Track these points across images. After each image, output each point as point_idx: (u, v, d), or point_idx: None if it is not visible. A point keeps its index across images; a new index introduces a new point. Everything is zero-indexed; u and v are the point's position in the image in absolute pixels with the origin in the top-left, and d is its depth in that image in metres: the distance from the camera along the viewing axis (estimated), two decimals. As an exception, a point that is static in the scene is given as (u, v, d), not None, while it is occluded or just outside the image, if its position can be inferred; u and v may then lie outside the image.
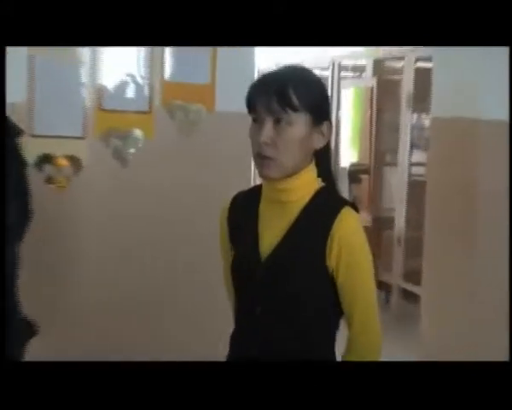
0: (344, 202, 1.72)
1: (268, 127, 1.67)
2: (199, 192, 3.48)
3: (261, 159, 1.69)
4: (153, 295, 3.45)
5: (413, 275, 5.31)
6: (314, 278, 1.68)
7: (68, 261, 3.34)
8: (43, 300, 3.22)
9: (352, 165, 6.63)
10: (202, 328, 3.42)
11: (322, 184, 1.76)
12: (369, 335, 1.70)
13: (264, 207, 1.77)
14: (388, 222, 5.95)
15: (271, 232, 1.73)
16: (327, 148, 1.78)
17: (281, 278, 1.68)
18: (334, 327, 1.75)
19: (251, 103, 1.70)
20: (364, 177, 6.31)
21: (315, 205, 1.71)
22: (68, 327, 3.25)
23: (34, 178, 3.04)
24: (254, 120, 1.70)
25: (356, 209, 1.72)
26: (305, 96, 1.67)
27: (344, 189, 6.68)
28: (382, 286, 6.13)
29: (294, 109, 1.66)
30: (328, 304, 1.70)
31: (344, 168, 6.72)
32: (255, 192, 1.81)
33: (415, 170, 5.96)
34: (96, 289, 3.38)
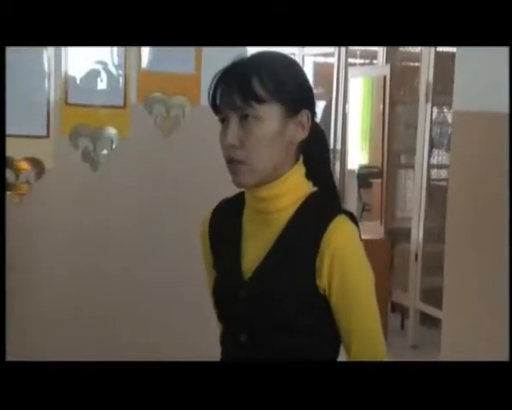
0: (337, 210, 1.70)
1: (233, 126, 1.64)
2: (182, 197, 3.50)
3: (232, 165, 1.67)
4: (133, 303, 3.49)
5: (432, 296, 5.32)
6: (304, 300, 1.67)
7: (26, 281, 3.35)
8: None
9: (362, 167, 6.66)
10: (193, 330, 3.48)
11: (314, 188, 1.75)
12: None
13: (247, 218, 1.77)
14: (404, 234, 5.96)
15: (255, 247, 1.72)
16: (316, 142, 1.75)
17: (266, 301, 1.68)
18: (332, 355, 1.75)
19: (215, 101, 1.68)
20: (376, 181, 6.32)
21: (303, 214, 1.70)
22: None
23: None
24: (222, 121, 1.69)
25: (353, 219, 1.71)
26: (273, 84, 1.64)
27: (352, 195, 6.72)
28: (397, 309, 6.16)
29: (260, 101, 1.63)
30: (322, 329, 1.70)
31: (352, 171, 6.75)
32: (240, 200, 1.79)
33: (435, 173, 5.99)
34: (60, 309, 3.40)
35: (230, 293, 1.73)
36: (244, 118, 1.64)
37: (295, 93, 1.68)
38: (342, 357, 1.76)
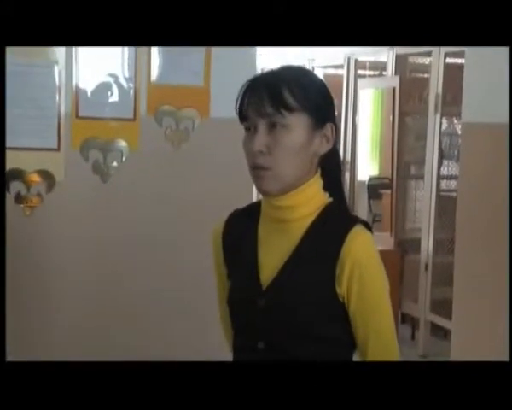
0: (354, 220, 1.74)
1: (262, 133, 1.68)
2: (191, 210, 3.51)
3: (257, 171, 1.70)
4: (140, 317, 3.50)
5: (442, 306, 5.32)
6: (323, 308, 1.70)
7: (39, 291, 3.37)
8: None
9: (372, 178, 6.67)
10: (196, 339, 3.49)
11: (330, 199, 1.78)
12: None
13: (263, 228, 1.79)
14: (413, 245, 5.96)
15: (273, 257, 1.74)
16: (333, 155, 1.79)
17: (285, 309, 1.70)
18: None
19: (242, 110, 1.72)
20: (386, 192, 6.34)
21: (321, 224, 1.73)
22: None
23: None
24: (247, 129, 1.72)
25: (369, 228, 1.74)
26: (303, 95, 1.69)
27: (362, 206, 6.72)
28: (407, 320, 6.15)
29: (290, 110, 1.67)
30: (339, 338, 1.73)
31: (362, 182, 6.76)
32: (253, 210, 1.82)
33: (444, 184, 5.99)
34: (73, 318, 3.42)
35: (248, 303, 1.75)
36: (272, 126, 1.68)
37: (322, 106, 1.73)
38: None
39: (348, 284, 1.68)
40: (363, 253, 1.69)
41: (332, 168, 1.79)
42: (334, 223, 1.73)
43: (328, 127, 1.74)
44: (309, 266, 1.71)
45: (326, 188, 1.78)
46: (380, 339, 1.72)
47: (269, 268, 1.74)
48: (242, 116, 1.72)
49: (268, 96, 1.67)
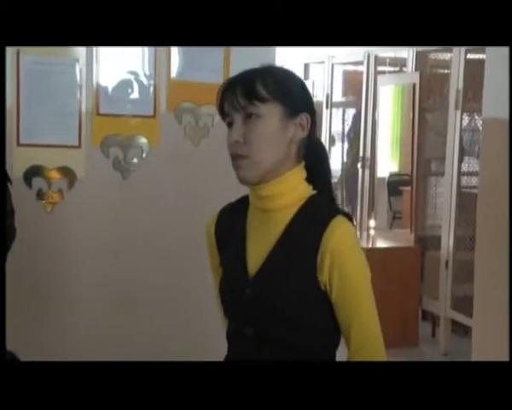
0: (336, 212, 1.80)
1: (238, 125, 1.77)
2: (211, 206, 3.53)
3: (235, 160, 1.79)
4: (156, 312, 3.54)
5: (463, 304, 5.31)
6: (306, 297, 1.76)
7: (59, 285, 3.40)
8: (27, 326, 3.30)
9: (392, 175, 6.66)
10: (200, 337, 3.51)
11: (314, 191, 1.84)
12: (367, 357, 1.76)
13: (251, 218, 1.87)
14: (434, 242, 5.95)
15: (259, 246, 1.82)
16: (315, 145, 1.87)
17: (270, 298, 1.77)
18: (334, 347, 1.84)
19: (221, 107, 1.80)
20: (406, 189, 6.32)
21: (304, 215, 1.80)
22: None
23: (22, 194, 3.14)
24: (229, 125, 1.80)
25: (350, 220, 1.80)
26: (274, 86, 1.77)
27: (382, 203, 6.71)
28: (428, 317, 6.15)
29: (262, 100, 1.75)
30: (324, 324, 1.79)
31: (382, 179, 6.75)
32: (244, 202, 1.90)
33: (465, 181, 5.97)
34: (93, 315, 3.45)
35: (236, 291, 1.82)
36: (248, 117, 1.76)
37: (295, 96, 1.81)
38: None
39: (329, 273, 1.74)
40: (342, 243, 1.75)
41: (316, 158, 1.86)
42: (317, 213, 1.79)
43: (303, 117, 1.80)
44: (292, 255, 1.77)
45: (311, 180, 1.85)
46: (361, 329, 1.76)
47: (255, 257, 1.81)
48: (222, 113, 1.80)
49: (241, 90, 1.75)
